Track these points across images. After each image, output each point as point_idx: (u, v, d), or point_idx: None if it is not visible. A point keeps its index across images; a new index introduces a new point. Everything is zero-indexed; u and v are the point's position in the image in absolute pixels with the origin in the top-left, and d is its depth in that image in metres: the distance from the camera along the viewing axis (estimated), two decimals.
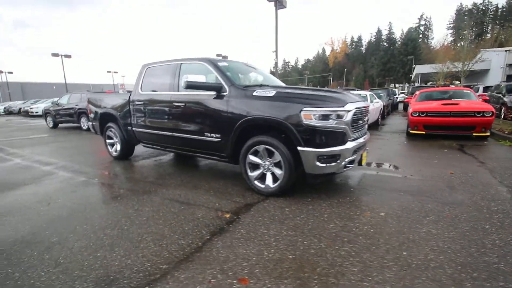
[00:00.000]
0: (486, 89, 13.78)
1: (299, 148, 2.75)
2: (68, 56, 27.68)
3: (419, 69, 33.25)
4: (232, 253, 1.96)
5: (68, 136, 8.88)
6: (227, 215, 2.60)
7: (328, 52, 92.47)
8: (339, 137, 2.78)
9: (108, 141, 5.08)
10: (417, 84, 31.76)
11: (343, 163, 2.83)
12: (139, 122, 4.35)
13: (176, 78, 3.84)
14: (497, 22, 61.76)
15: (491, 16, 65.20)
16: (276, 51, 13.36)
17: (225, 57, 31.87)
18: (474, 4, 67.69)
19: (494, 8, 64.69)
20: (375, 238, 2.14)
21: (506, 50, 23.90)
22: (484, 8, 66.40)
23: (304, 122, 2.69)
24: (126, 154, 4.96)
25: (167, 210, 2.75)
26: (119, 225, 2.43)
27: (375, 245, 2.04)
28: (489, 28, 63.30)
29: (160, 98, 3.99)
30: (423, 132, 6.61)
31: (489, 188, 3.20)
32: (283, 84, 4.29)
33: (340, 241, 2.11)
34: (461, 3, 78.32)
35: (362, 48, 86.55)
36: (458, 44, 62.59)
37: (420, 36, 72.33)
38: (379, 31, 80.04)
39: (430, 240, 2.11)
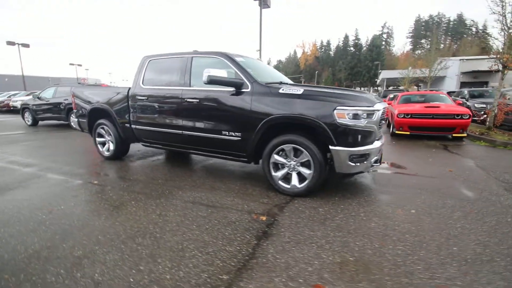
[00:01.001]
0: (448, 94, 15.09)
1: (331, 147, 2.73)
2: (26, 46, 24.66)
3: (384, 74, 35.52)
4: (291, 258, 1.86)
5: (49, 134, 7.95)
6: (263, 218, 2.47)
7: (299, 54, 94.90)
8: (369, 137, 2.80)
9: (98, 139, 4.61)
10: (379, 88, 33.80)
11: (370, 162, 2.86)
12: (140, 119, 4.01)
13: (187, 73, 3.60)
14: (449, 33, 68.40)
15: (444, 27, 72.00)
16: (260, 50, 13.35)
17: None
18: (430, 16, 74.27)
19: (447, 21, 71.56)
20: (421, 235, 2.18)
21: (460, 59, 26.53)
22: (438, 20, 73.13)
23: (337, 121, 2.67)
24: (120, 154, 4.55)
25: (195, 214, 2.54)
26: (149, 233, 2.19)
27: (424, 242, 2.08)
28: (442, 38, 69.78)
29: (168, 93, 3.71)
30: (408, 133, 7.02)
31: (491, 184, 3.46)
32: (290, 81, 4.25)
33: (390, 240, 2.11)
34: (419, 15, 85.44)
35: (331, 52, 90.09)
36: (416, 52, 68.42)
37: (383, 43, 77.44)
38: (346, 37, 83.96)
39: (469, 234, 2.20)
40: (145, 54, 4.12)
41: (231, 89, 3.21)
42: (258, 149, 3.16)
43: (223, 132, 3.29)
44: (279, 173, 3.06)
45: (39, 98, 9.44)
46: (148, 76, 3.98)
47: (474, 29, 67.66)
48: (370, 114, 2.75)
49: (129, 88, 4.10)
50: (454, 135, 6.70)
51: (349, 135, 2.69)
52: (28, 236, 2.14)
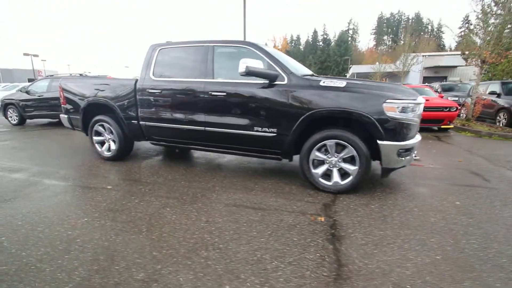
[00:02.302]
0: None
1: (380, 142, 2.65)
2: None
3: (355, 68, 36.99)
4: (381, 262, 1.75)
5: (31, 133, 6.90)
6: (321, 218, 2.34)
7: None
8: (413, 130, 2.78)
9: (96, 138, 4.08)
10: None
11: (412, 157, 2.85)
12: (151, 115, 3.59)
13: (209, 63, 3.28)
14: (408, 31, 73.20)
15: (403, 25, 76.96)
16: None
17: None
18: (391, 14, 78.79)
19: (406, 19, 76.50)
20: (482, 228, 2.20)
21: (423, 55, 28.47)
22: (398, 18, 77.89)
23: (387, 114, 2.59)
24: (123, 154, 4.07)
25: (246, 219, 2.32)
26: (210, 244, 1.93)
27: (491, 234, 2.10)
28: (402, 36, 74.62)
29: (187, 86, 3.36)
30: None
31: (503, 172, 3.68)
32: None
33: (458, 234, 2.10)
34: (381, 12, 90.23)
35: (300, 47, 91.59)
36: (380, 48, 72.52)
37: (350, 39, 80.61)
38: (315, 32, 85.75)
39: None
40: (153, 42, 3.69)
41: (262, 81, 2.98)
42: (295, 146, 3.00)
43: (256, 128, 3.06)
44: (319, 170, 2.93)
45: (27, 92, 7.86)
46: (159, 67, 3.57)
47: (430, 28, 73.29)
48: (414, 108, 2.72)
49: (136, 80, 3.65)
50: (442, 126, 7.12)
51: (398, 129, 2.64)
52: (64, 260, 1.76)
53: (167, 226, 2.18)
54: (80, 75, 7.34)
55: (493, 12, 8.05)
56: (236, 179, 3.33)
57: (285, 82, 2.92)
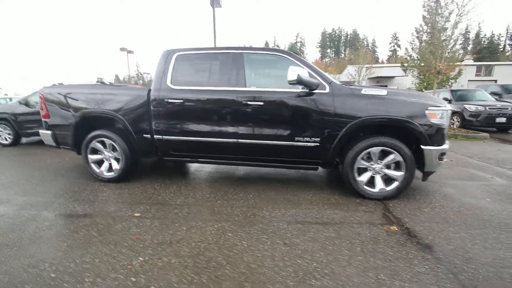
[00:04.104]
0: None
1: (425, 147, 2.77)
2: None
3: None
4: (486, 265, 1.78)
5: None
6: (394, 227, 2.31)
7: None
8: (446, 135, 2.98)
9: (92, 157, 3.44)
10: None
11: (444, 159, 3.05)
12: (171, 128, 3.17)
13: (240, 71, 3.05)
14: (347, 45, 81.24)
15: (343, 40, 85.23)
16: None
17: (130, 51, 27.25)
18: (333, 29, 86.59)
19: (346, 34, 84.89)
20: None
21: (365, 67, 31.75)
22: (339, 34, 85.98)
23: (431, 121, 2.73)
24: (129, 173, 3.49)
25: (323, 236, 2.16)
26: (312, 270, 1.73)
27: None
28: (343, 49, 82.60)
29: (215, 95, 3.06)
30: None
31: (494, 169, 4.20)
32: None
33: None
34: (324, 28, 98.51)
35: None
36: (324, 61, 79.21)
37: (298, 51, 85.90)
38: (266, 43, 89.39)
39: None
40: (167, 48, 3.31)
41: (299, 89, 2.91)
42: (338, 154, 2.97)
43: (297, 138, 2.93)
44: (363, 178, 2.93)
45: (26, 104, 6.19)
46: (178, 74, 3.19)
47: (365, 42, 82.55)
48: (448, 114, 2.92)
49: (149, 90, 3.21)
50: None
51: (439, 134, 2.80)
52: None
53: (247, 255, 1.90)
54: (102, 83, 5.59)
55: (424, 31, 9.40)
56: (273, 193, 3.13)
57: (327, 91, 2.88)
